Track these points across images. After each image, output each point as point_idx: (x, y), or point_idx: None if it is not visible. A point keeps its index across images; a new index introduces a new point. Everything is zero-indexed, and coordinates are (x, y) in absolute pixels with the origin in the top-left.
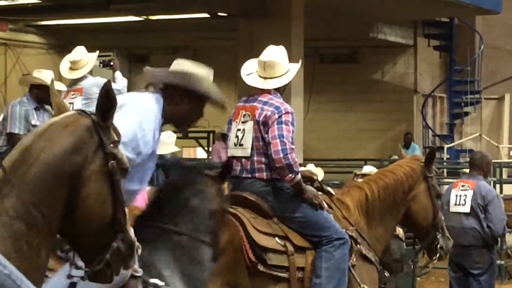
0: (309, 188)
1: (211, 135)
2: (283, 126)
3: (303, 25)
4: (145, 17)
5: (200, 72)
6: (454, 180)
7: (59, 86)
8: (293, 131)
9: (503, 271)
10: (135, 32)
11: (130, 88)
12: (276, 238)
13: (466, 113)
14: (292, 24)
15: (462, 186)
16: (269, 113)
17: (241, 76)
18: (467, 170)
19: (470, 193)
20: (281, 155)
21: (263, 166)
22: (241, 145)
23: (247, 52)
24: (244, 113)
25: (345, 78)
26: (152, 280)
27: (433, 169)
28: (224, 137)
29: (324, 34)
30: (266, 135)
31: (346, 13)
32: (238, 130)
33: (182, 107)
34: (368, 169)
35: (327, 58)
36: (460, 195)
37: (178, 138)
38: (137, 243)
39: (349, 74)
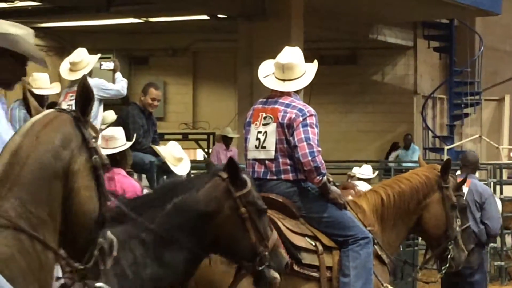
0: (334, 188)
1: (211, 137)
2: (309, 129)
3: (303, 27)
4: (144, 19)
5: (19, 32)
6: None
7: (56, 89)
8: (317, 133)
9: (503, 272)
10: (135, 34)
11: (130, 89)
12: (306, 238)
13: (466, 115)
14: (291, 25)
15: None
16: (293, 116)
17: (240, 76)
18: None
19: (465, 190)
20: (309, 158)
21: (289, 167)
22: (263, 147)
23: (246, 53)
24: (264, 115)
25: (345, 79)
26: (98, 284)
27: (449, 179)
28: (224, 139)
29: (323, 35)
30: (290, 138)
31: (345, 15)
32: (259, 132)
33: (2, 68)
34: (365, 170)
35: (326, 60)
36: None
37: (177, 140)
38: (115, 241)
39: (348, 76)
